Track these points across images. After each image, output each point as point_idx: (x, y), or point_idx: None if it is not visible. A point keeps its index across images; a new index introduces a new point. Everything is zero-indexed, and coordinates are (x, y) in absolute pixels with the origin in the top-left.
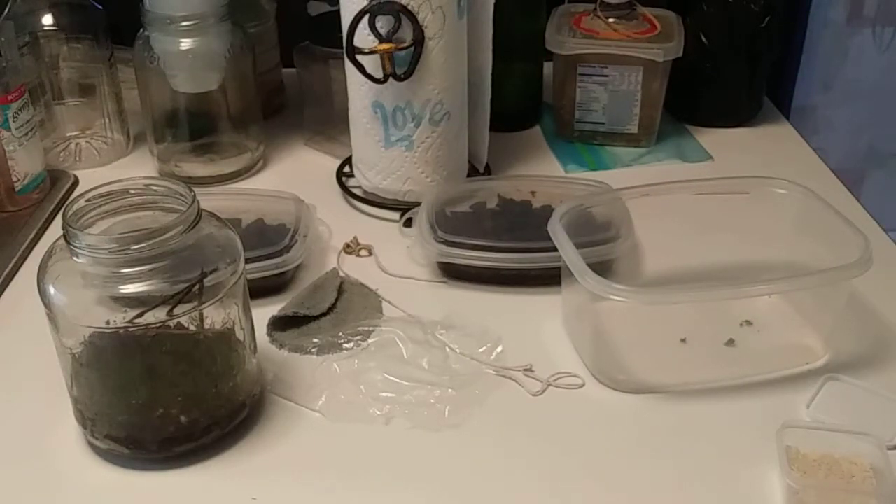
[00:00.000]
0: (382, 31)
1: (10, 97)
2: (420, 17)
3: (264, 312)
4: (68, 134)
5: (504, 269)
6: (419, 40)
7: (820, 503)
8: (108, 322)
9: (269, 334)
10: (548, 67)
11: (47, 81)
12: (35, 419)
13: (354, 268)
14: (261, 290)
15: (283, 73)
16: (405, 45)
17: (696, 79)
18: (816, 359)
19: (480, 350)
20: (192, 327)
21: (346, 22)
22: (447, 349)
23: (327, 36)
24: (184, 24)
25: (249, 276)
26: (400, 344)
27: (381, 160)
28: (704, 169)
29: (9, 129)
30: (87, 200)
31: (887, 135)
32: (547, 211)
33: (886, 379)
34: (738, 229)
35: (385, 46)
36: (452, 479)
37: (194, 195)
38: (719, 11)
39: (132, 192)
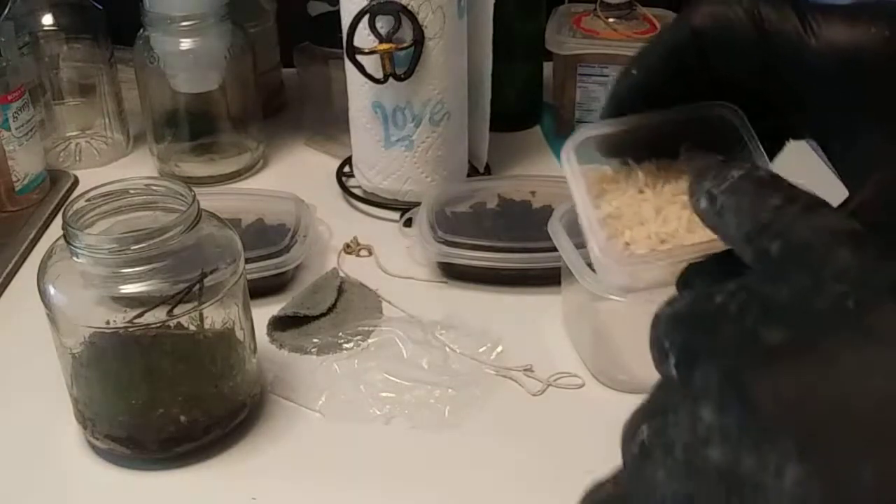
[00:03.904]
0: (382, 31)
1: (10, 97)
2: (420, 17)
3: (264, 312)
4: (68, 134)
5: (504, 269)
6: (419, 40)
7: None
8: (108, 322)
9: (269, 334)
10: (548, 67)
11: (47, 81)
12: (35, 419)
13: (354, 268)
14: (261, 290)
15: (283, 73)
16: (405, 45)
17: None
18: None
19: (480, 350)
20: (192, 327)
21: (346, 22)
22: (447, 349)
23: (327, 36)
24: (184, 24)
25: (249, 276)
26: (400, 344)
27: (381, 160)
28: None
29: (9, 129)
30: (87, 200)
31: None
32: (547, 211)
33: None
34: None
35: (385, 46)
36: (452, 479)
37: (194, 195)
38: None
39: (132, 192)
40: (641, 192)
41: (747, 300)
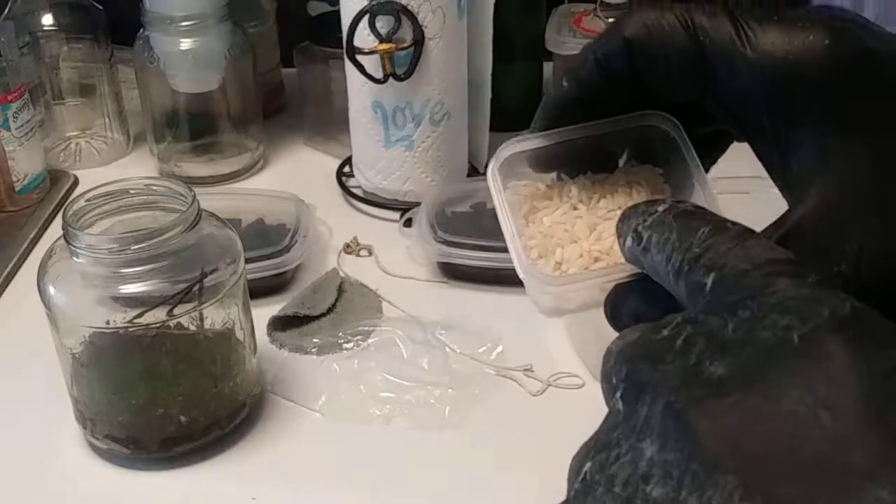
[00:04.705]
0: (382, 31)
1: (10, 97)
2: (420, 17)
3: (264, 312)
4: (68, 134)
5: (504, 269)
6: (419, 40)
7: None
8: (108, 322)
9: (269, 334)
10: (548, 67)
11: (47, 81)
12: (35, 419)
13: (354, 268)
14: (261, 290)
15: (283, 73)
16: (405, 45)
17: None
18: None
19: (480, 350)
20: (192, 327)
21: (346, 22)
22: (447, 349)
23: (327, 36)
24: (184, 24)
25: (249, 276)
26: (400, 344)
27: (381, 160)
28: None
29: (9, 129)
30: (87, 200)
31: None
32: None
33: None
34: None
35: (385, 46)
36: (452, 479)
37: (194, 195)
38: None
39: (132, 192)
40: (575, 208)
41: (692, 333)
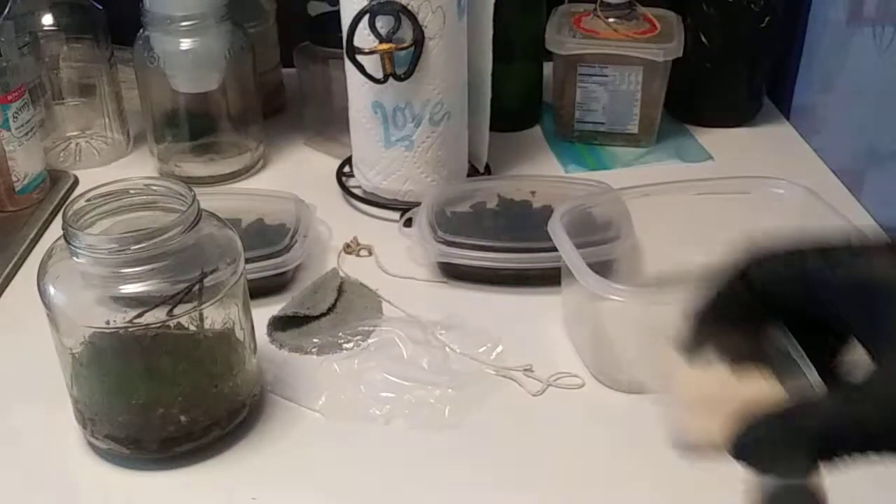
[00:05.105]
0: (382, 31)
1: (10, 97)
2: (420, 17)
3: (264, 312)
4: (68, 134)
5: (504, 269)
6: (419, 40)
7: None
8: (108, 322)
9: (269, 334)
10: (548, 67)
11: (47, 81)
12: (35, 419)
13: (354, 268)
14: (261, 290)
15: (283, 73)
16: (405, 45)
17: (696, 79)
18: None
19: (480, 350)
20: (192, 327)
21: (346, 22)
22: (447, 349)
23: (327, 36)
24: (184, 24)
25: (249, 276)
26: (400, 344)
27: (381, 160)
28: (704, 169)
29: (9, 129)
30: (87, 200)
31: (887, 135)
32: (547, 211)
33: None
34: (739, 229)
35: (385, 46)
36: (452, 479)
37: (194, 195)
38: (719, 11)
39: (132, 192)
40: (715, 389)
41: None
